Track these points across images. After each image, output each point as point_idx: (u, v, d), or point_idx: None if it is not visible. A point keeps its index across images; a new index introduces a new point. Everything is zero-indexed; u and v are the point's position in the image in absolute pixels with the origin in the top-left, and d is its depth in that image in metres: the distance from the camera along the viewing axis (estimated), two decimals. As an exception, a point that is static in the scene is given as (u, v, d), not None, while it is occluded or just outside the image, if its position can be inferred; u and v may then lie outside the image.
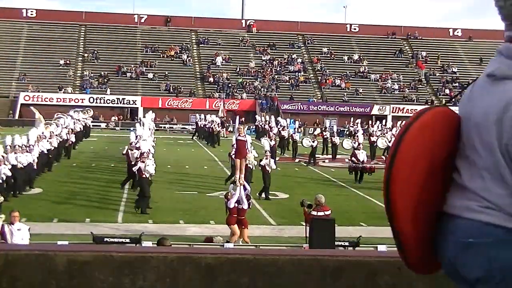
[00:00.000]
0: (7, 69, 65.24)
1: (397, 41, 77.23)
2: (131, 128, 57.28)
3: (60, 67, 66.67)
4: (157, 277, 3.70)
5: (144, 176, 19.50)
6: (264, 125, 46.34)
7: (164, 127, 59.86)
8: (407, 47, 76.69)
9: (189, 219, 18.50)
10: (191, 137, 50.45)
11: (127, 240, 12.71)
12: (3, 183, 19.14)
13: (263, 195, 22.37)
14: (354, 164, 27.59)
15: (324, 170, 31.36)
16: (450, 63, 74.08)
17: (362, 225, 18.32)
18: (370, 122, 51.87)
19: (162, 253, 3.76)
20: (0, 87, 62.95)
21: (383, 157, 33.82)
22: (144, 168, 19.47)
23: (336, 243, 12.65)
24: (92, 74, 66.26)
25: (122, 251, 3.78)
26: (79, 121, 41.75)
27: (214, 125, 44.60)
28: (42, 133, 27.19)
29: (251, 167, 22.19)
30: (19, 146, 21.86)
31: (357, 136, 33.54)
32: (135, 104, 62.39)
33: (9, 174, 19.40)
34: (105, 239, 12.67)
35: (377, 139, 37.21)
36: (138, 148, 22.99)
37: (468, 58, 75.38)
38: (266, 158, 22.72)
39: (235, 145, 17.01)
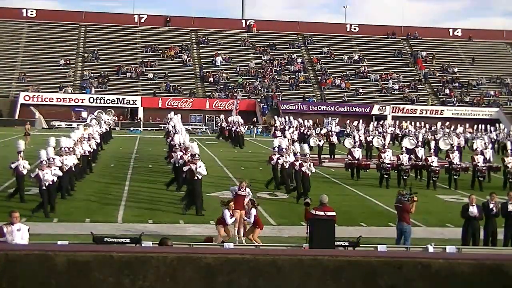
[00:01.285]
0: (7, 69, 65.21)
1: (397, 41, 77.21)
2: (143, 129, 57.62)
3: (60, 67, 66.65)
4: (157, 277, 3.69)
5: (196, 177, 19.59)
6: (284, 126, 45.89)
7: (164, 127, 59.76)
8: (407, 47, 76.67)
9: (189, 219, 18.48)
10: (216, 138, 49.55)
11: (127, 240, 12.67)
12: (54, 184, 19.07)
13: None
14: (350, 161, 28.36)
15: (324, 170, 31.34)
16: (450, 63, 74.05)
17: (362, 225, 18.31)
18: (348, 122, 51.98)
19: (162, 253, 3.75)
20: (0, 87, 62.93)
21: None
22: (195, 169, 19.56)
23: (336, 243, 12.62)
24: (92, 74, 66.24)
25: (122, 251, 3.77)
26: (105, 122, 41.96)
27: (239, 127, 43.87)
28: (82, 135, 27.22)
29: (309, 173, 21.90)
30: (64, 148, 21.79)
31: (354, 135, 34.63)
32: (135, 104, 62.37)
33: (60, 174, 19.47)
34: (105, 239, 12.62)
35: (372, 138, 37.62)
36: (182, 150, 23.18)
37: (468, 58, 75.35)
38: (306, 162, 22.17)
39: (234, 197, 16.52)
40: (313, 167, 22.82)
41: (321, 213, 14.30)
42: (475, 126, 49.64)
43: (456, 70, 73.25)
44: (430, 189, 25.49)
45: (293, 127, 43.23)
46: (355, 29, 77.70)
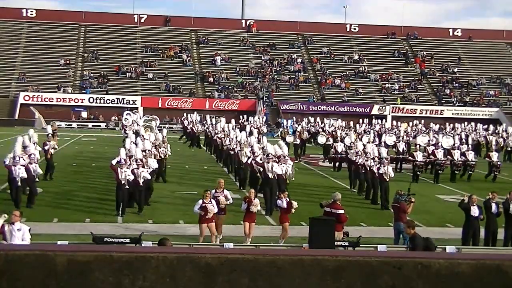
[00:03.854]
0: (7, 69, 65.21)
1: (397, 41, 77.19)
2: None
3: (60, 67, 66.64)
4: (157, 277, 3.69)
5: (273, 177, 19.82)
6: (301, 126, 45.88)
7: (164, 127, 59.77)
8: (407, 47, 76.65)
9: (189, 219, 18.44)
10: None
11: (127, 240, 12.66)
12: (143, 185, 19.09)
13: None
14: (333, 155, 30.75)
15: (324, 169, 31.37)
16: (450, 63, 74.03)
17: (362, 225, 18.31)
18: (324, 121, 52.24)
19: (162, 253, 3.75)
20: (0, 87, 62.93)
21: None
22: (270, 169, 19.83)
23: (336, 243, 12.63)
24: (92, 74, 66.23)
25: (122, 251, 3.77)
26: (134, 122, 42.06)
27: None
28: (163, 136, 27.23)
29: (387, 179, 21.45)
30: (148, 150, 21.73)
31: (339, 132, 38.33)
32: (135, 104, 62.34)
33: (149, 177, 19.65)
34: (105, 239, 12.61)
35: (361, 137, 38.31)
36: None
37: (468, 58, 75.34)
38: (384, 166, 21.63)
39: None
40: (392, 172, 22.32)
41: (328, 209, 14.77)
42: (446, 125, 50.68)
43: (456, 70, 73.24)
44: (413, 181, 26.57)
45: (302, 126, 43.56)
46: (355, 29, 77.68)
